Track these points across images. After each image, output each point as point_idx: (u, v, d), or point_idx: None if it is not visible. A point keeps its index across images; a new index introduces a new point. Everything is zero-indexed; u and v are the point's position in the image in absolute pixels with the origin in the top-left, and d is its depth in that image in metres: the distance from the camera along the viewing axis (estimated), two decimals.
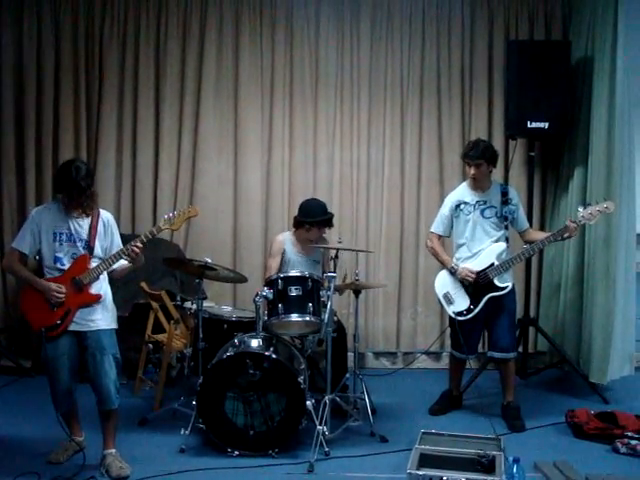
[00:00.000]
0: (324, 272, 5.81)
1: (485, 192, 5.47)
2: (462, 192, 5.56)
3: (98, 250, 4.44)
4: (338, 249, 5.21)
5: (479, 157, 5.38)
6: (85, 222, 4.42)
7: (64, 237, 4.38)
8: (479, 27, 6.92)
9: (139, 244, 4.36)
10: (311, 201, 5.98)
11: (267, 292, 5.05)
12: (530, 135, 6.46)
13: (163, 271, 6.33)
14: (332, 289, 4.93)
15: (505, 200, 5.44)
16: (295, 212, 5.94)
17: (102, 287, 4.48)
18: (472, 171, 5.41)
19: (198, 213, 4.73)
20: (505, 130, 6.69)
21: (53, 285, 4.33)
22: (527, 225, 5.63)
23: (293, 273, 5.28)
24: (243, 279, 5.55)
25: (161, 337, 5.84)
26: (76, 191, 4.30)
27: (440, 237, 5.65)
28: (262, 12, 6.87)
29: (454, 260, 5.53)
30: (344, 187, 6.99)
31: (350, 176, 6.99)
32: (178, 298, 5.90)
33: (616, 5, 5.86)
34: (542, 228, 6.70)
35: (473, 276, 5.34)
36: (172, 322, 5.63)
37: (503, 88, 6.73)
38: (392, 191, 7.00)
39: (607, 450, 4.89)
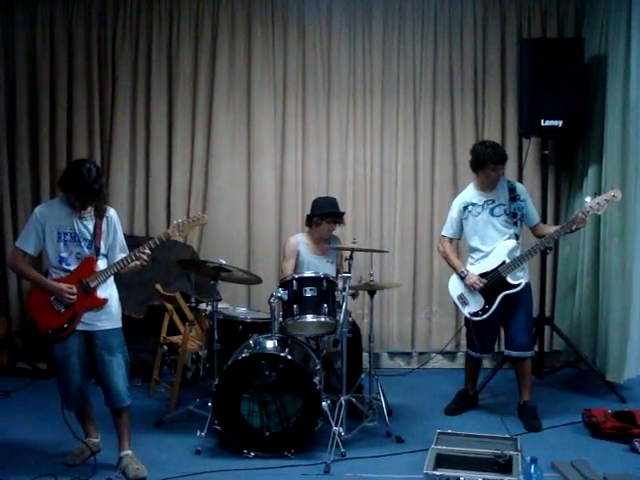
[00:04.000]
0: (338, 272, 5.82)
1: (492, 191, 5.45)
2: (469, 194, 5.55)
3: (103, 249, 4.44)
4: (353, 249, 5.20)
5: (506, 157, 5.46)
6: (90, 222, 4.40)
7: (68, 237, 4.36)
8: (491, 25, 6.90)
9: (147, 250, 4.37)
10: (322, 197, 6.09)
11: (282, 293, 5.06)
12: (544, 133, 6.43)
13: (177, 273, 6.35)
14: (347, 289, 4.93)
15: (513, 197, 5.41)
16: (309, 212, 5.97)
17: (108, 289, 4.48)
18: (499, 172, 5.41)
19: (207, 221, 4.75)
20: (519, 129, 6.67)
21: (64, 286, 4.32)
22: (538, 220, 5.58)
23: (308, 274, 5.28)
24: (257, 280, 5.55)
25: (176, 339, 5.85)
26: (89, 195, 4.28)
27: (451, 240, 5.65)
28: (274, 13, 6.88)
29: (469, 261, 5.52)
30: (357, 187, 6.99)
31: (363, 176, 6.99)
32: (193, 300, 5.92)
33: (630, 1, 5.83)
34: (556, 226, 6.66)
35: (480, 285, 5.33)
36: (187, 324, 5.64)
37: (516, 86, 6.70)
38: (406, 191, 6.99)
39: (625, 449, 4.85)
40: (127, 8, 6.80)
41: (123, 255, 4.45)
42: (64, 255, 4.37)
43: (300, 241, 5.93)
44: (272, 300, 4.99)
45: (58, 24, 6.74)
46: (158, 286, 5.89)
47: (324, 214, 5.79)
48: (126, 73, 6.83)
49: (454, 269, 5.54)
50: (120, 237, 4.55)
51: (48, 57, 6.74)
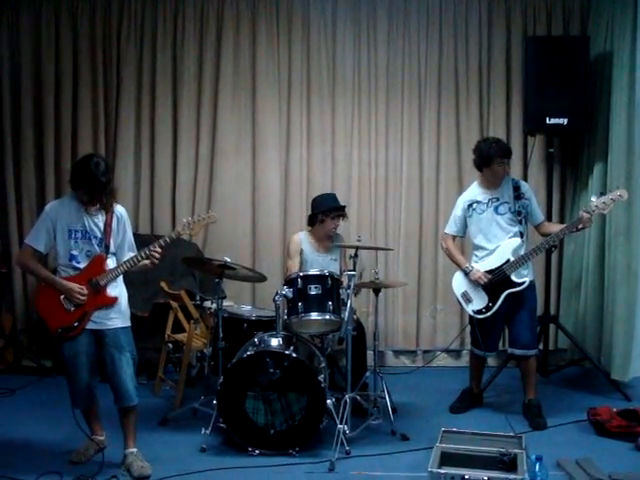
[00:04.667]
0: (342, 270, 5.82)
1: (497, 189, 5.44)
2: (474, 192, 5.54)
3: (112, 248, 4.44)
4: (357, 247, 5.20)
5: (511, 150, 5.48)
6: (100, 219, 4.39)
7: (79, 235, 4.35)
8: (496, 23, 6.88)
9: (158, 249, 4.37)
10: (321, 195, 6.06)
11: (287, 291, 5.06)
12: (549, 131, 6.42)
13: (182, 271, 6.35)
14: (352, 287, 4.93)
15: (518, 195, 5.41)
16: (309, 213, 5.99)
17: (118, 287, 4.48)
18: (505, 167, 5.41)
19: (216, 220, 4.76)
20: (524, 126, 6.65)
21: (75, 286, 4.31)
22: (542, 218, 5.58)
23: (313, 272, 5.28)
24: (262, 278, 5.55)
25: (181, 337, 5.86)
26: (97, 188, 4.26)
27: (454, 238, 5.65)
28: (279, 11, 6.87)
29: (473, 259, 5.52)
30: (362, 186, 6.98)
31: (368, 175, 6.99)
32: (198, 298, 5.92)
33: None
34: (561, 224, 6.65)
35: (485, 280, 5.33)
36: (192, 322, 5.65)
37: (521, 84, 6.70)
38: (410, 189, 6.98)
39: (630, 448, 4.84)
40: (131, 8, 6.81)
41: (132, 254, 4.46)
42: (75, 253, 4.36)
43: (303, 239, 5.93)
44: (277, 298, 5.00)
45: (63, 24, 6.74)
46: (163, 284, 5.90)
47: (327, 210, 5.79)
48: (131, 73, 6.84)
49: (458, 265, 5.53)
50: (129, 236, 4.56)
51: (53, 57, 6.75)
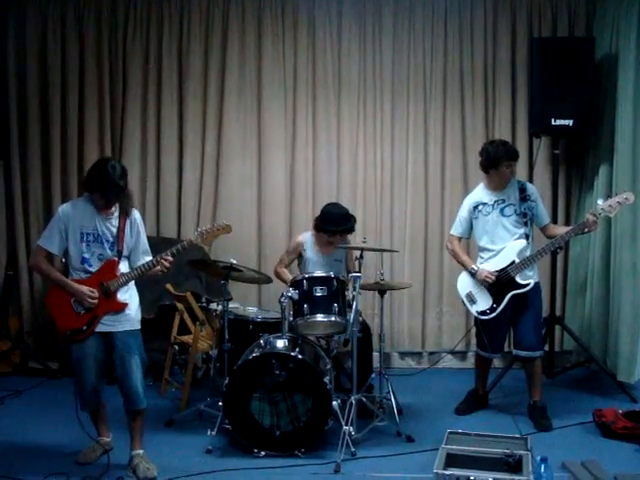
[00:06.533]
0: (348, 271, 5.83)
1: (503, 191, 5.44)
2: (480, 193, 5.54)
3: (125, 251, 4.44)
4: (363, 249, 5.20)
5: (518, 153, 5.47)
6: (113, 223, 4.39)
7: (91, 238, 4.35)
8: (502, 25, 6.88)
9: (170, 257, 4.37)
10: (333, 207, 5.90)
11: (292, 293, 5.07)
12: (554, 133, 6.41)
13: (188, 273, 6.36)
14: (358, 289, 4.93)
15: (524, 197, 5.40)
16: (318, 212, 5.96)
17: (129, 291, 4.49)
18: (512, 170, 5.41)
19: (231, 231, 4.74)
20: (529, 128, 6.66)
21: (86, 289, 4.31)
22: (548, 220, 5.57)
23: (318, 273, 5.28)
24: (268, 280, 5.56)
25: (187, 338, 5.87)
26: (114, 191, 4.27)
27: (460, 239, 5.65)
28: (284, 13, 6.89)
29: (479, 261, 5.51)
30: (368, 187, 6.99)
31: (374, 176, 6.99)
32: (203, 299, 5.93)
33: None
34: (567, 226, 6.64)
35: (493, 278, 5.32)
36: (197, 323, 5.65)
37: (527, 86, 6.70)
38: (416, 191, 6.98)
39: (636, 449, 4.83)
40: (137, 8, 6.82)
41: (147, 258, 4.47)
42: (86, 256, 4.36)
43: (308, 240, 5.92)
44: (282, 300, 5.01)
45: (69, 26, 6.77)
46: (169, 286, 5.91)
47: (337, 231, 5.75)
48: (137, 73, 6.86)
49: (464, 266, 5.53)
50: (143, 239, 4.55)
51: (59, 58, 6.77)
